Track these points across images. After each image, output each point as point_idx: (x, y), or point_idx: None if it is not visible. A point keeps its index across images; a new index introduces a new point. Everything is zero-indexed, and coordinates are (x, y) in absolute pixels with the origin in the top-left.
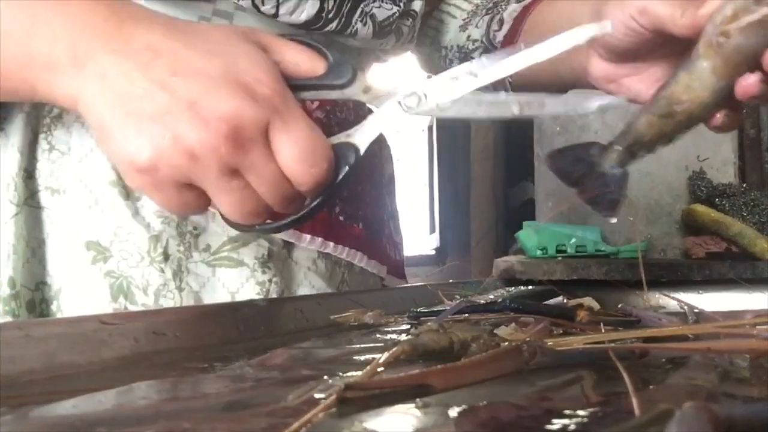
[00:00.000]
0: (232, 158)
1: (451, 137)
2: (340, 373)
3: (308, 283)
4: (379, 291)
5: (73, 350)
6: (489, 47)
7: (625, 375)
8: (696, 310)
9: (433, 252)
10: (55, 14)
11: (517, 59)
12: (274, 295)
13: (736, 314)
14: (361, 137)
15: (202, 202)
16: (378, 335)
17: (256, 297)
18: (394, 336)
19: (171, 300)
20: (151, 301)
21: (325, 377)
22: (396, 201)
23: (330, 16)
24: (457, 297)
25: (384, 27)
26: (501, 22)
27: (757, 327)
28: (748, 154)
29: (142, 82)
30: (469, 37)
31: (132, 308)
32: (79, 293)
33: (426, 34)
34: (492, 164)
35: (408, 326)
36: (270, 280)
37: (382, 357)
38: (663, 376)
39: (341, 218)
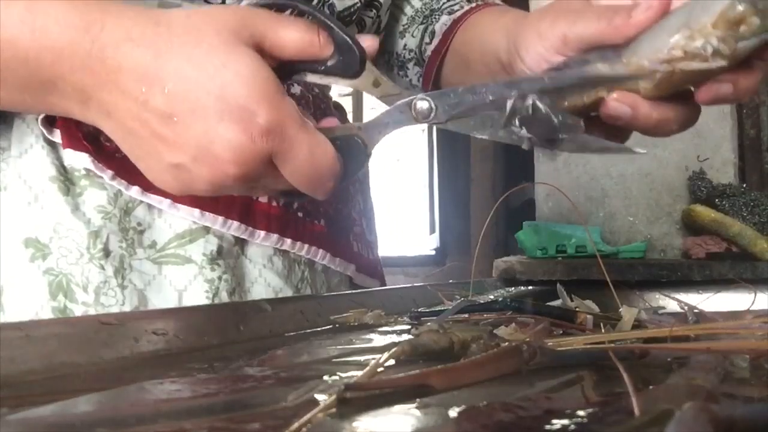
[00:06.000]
0: (246, 186)
1: (451, 137)
2: (340, 373)
3: (263, 281)
4: (379, 291)
5: (73, 350)
6: (420, 60)
7: (625, 375)
8: (696, 310)
9: (433, 252)
10: (40, 49)
11: (535, 82)
12: (224, 294)
13: (736, 314)
14: (370, 135)
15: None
16: (378, 335)
17: (205, 295)
18: (394, 336)
19: (113, 298)
20: (91, 299)
21: (325, 377)
22: (371, 199)
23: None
24: (457, 297)
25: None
26: (432, 34)
27: (757, 327)
28: (748, 154)
29: (146, 126)
30: (405, 46)
31: (72, 306)
32: (19, 292)
33: None
34: (492, 164)
35: (408, 326)
36: (220, 278)
37: (382, 357)
38: (663, 376)
39: (300, 214)
